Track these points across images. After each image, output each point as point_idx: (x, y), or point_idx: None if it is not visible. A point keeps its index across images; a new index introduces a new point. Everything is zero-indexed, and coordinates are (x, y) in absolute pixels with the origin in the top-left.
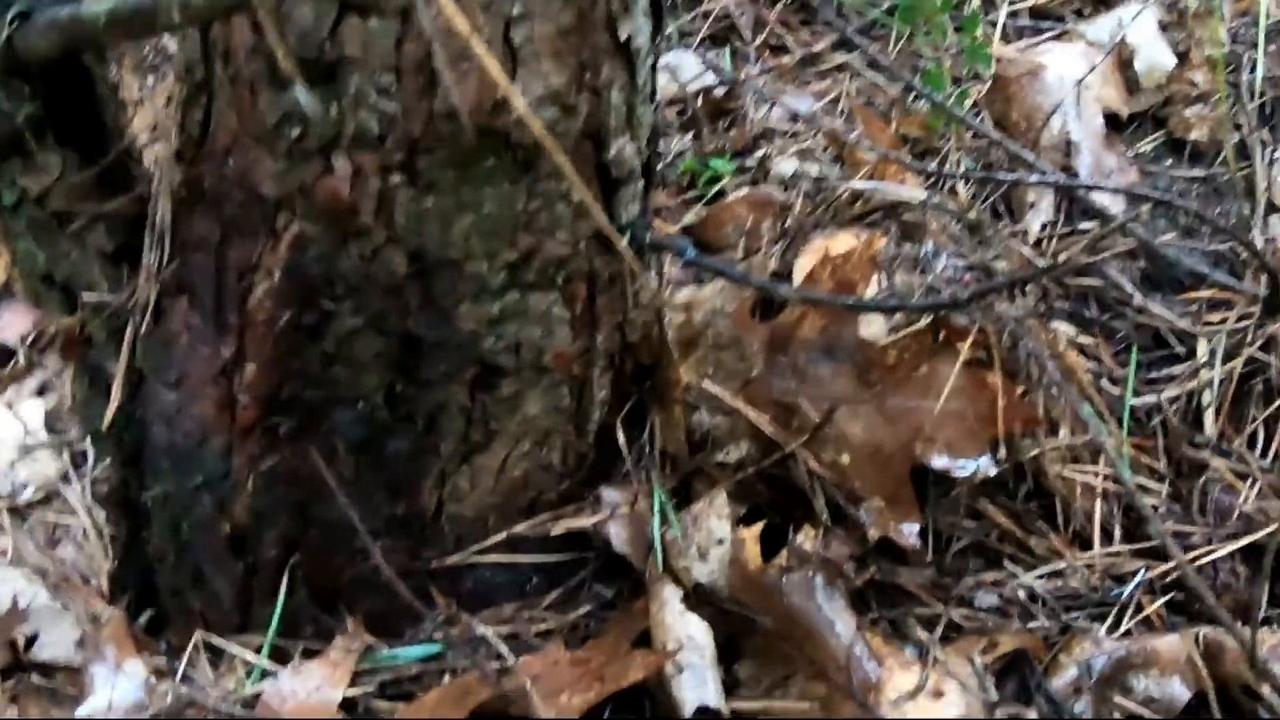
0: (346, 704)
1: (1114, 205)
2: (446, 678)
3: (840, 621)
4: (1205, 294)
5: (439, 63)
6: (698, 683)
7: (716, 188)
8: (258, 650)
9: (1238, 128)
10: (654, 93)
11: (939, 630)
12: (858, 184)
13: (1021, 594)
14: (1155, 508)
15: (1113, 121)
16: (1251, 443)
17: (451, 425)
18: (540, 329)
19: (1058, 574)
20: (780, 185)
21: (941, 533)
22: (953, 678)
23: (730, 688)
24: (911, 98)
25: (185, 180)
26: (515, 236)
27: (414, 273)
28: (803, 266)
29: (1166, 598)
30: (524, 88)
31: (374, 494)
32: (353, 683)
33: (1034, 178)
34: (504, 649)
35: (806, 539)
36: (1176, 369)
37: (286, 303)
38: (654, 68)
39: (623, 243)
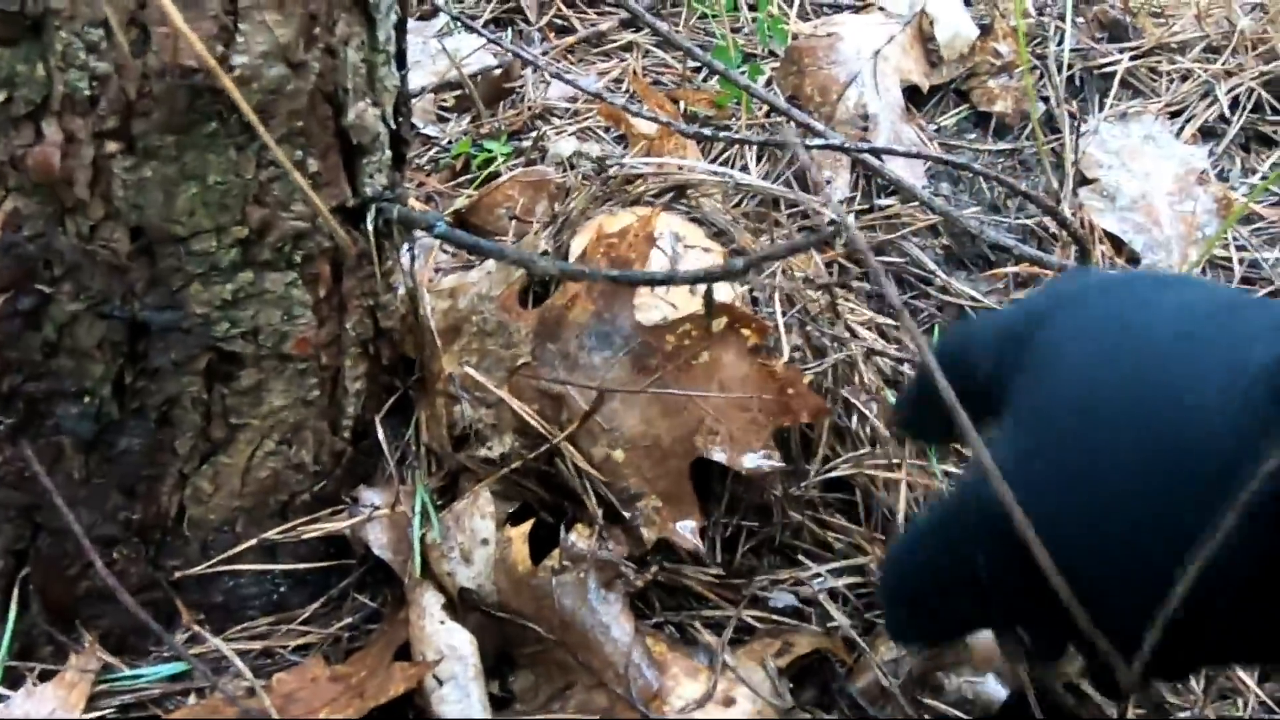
0: None
1: (915, 181)
2: (192, 698)
3: (617, 626)
4: (1012, 270)
5: (150, 14)
6: (460, 697)
7: (489, 170)
8: None
9: (1044, 100)
10: (402, 56)
11: (728, 633)
12: (638, 161)
13: (820, 593)
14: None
15: (913, 95)
16: None
17: (188, 420)
18: (279, 312)
19: (859, 570)
20: (557, 166)
21: (731, 530)
22: (743, 684)
23: (503, 702)
24: (701, 74)
25: None
26: (245, 210)
27: (137, 250)
28: (578, 246)
29: None
30: (246, 41)
31: (107, 497)
32: (91, 705)
33: (818, 142)
34: (245, 670)
35: (580, 538)
36: None
37: (2, 286)
38: (400, 27)
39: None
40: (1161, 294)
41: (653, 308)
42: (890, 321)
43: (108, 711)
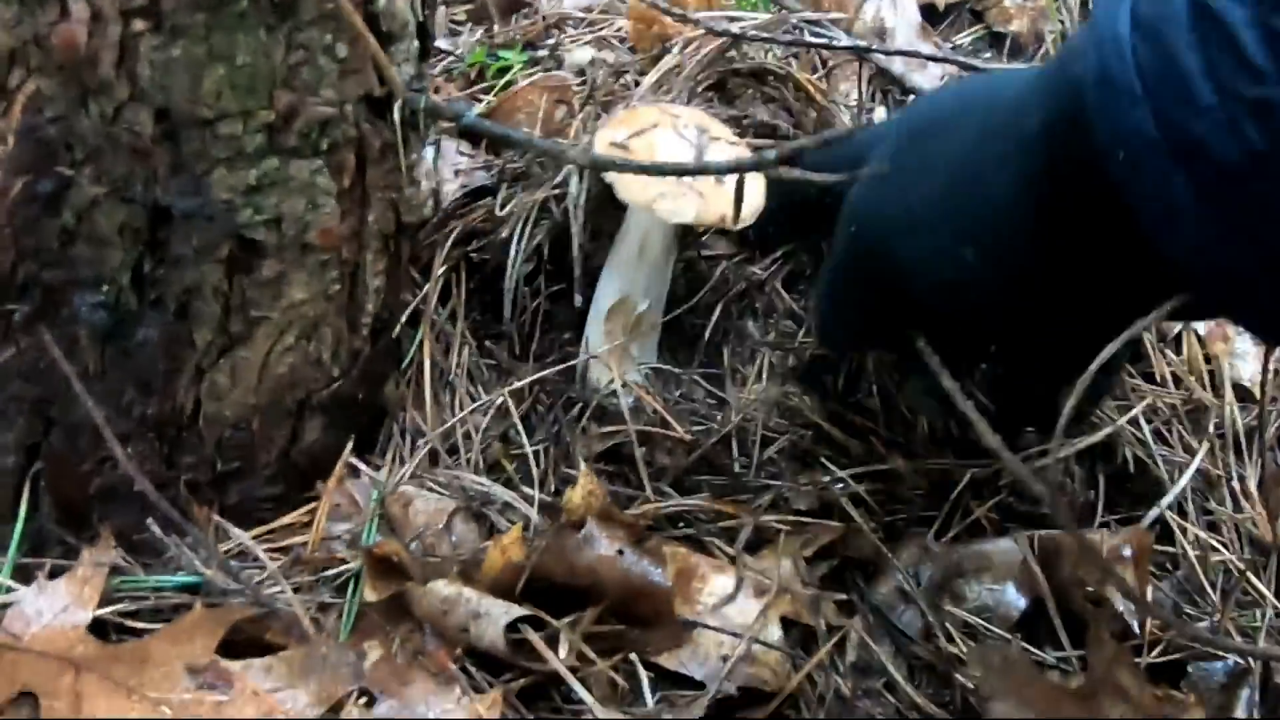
0: (96, 625)
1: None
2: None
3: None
4: None
5: None
6: None
7: (506, 78)
8: None
9: (1059, 22)
10: None
11: (743, 538)
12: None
13: (841, 497)
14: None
15: (928, 13)
16: None
17: (207, 311)
18: (304, 201)
19: (879, 475)
20: (575, 73)
21: (747, 435)
22: (768, 579)
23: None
24: None
25: None
26: (273, 93)
27: (161, 134)
28: (603, 138)
29: (995, 499)
30: None
31: (122, 392)
32: (104, 603)
33: (844, 41)
34: (272, 566)
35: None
36: None
37: (21, 170)
38: None
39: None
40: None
41: (680, 196)
42: None
43: (120, 607)
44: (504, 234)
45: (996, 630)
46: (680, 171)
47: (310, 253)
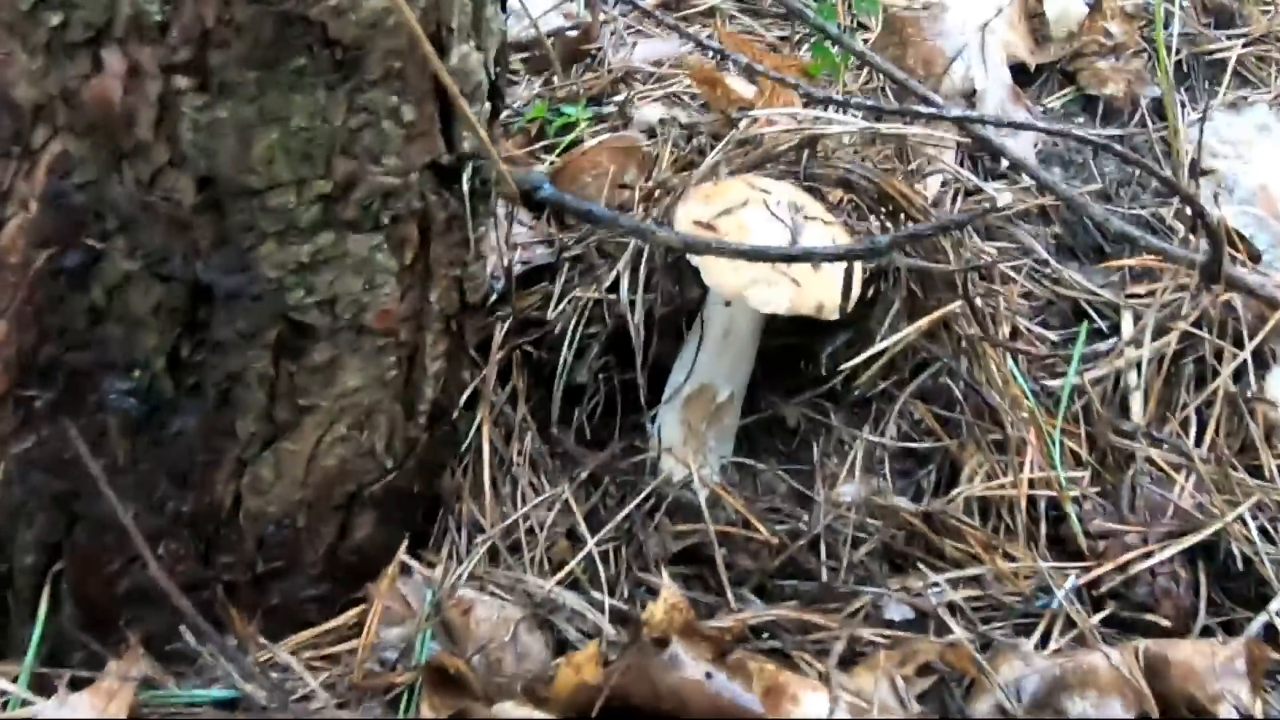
0: None
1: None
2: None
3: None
4: (1129, 262)
5: None
6: None
7: (570, 136)
8: (14, 680)
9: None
10: None
11: (836, 653)
12: (761, 111)
13: (935, 604)
14: (1081, 502)
15: (1019, 73)
16: (1184, 429)
17: (251, 399)
18: (361, 280)
19: (974, 581)
20: (644, 132)
21: (836, 536)
22: (864, 700)
23: None
24: (796, 35)
25: None
26: (331, 160)
27: (204, 203)
28: (686, 215)
29: (1102, 612)
30: None
31: (154, 485)
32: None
33: (950, 111)
34: (314, 684)
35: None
36: (1101, 346)
37: (44, 241)
38: None
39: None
40: None
41: (774, 283)
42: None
43: None
44: (563, 323)
45: None
46: (782, 258)
47: (366, 336)
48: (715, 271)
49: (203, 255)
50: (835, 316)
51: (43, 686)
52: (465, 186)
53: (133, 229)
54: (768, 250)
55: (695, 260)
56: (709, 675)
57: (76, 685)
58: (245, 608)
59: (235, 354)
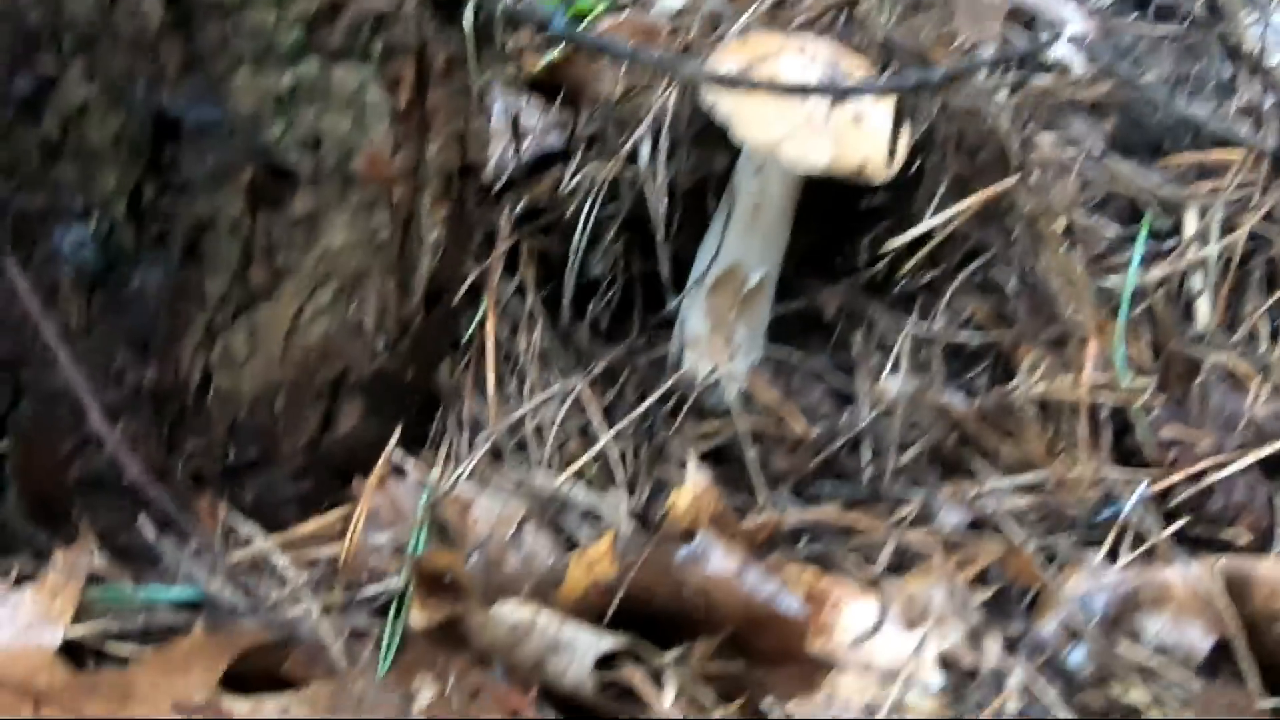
0: (68, 648)
1: (1075, 61)
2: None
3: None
4: (1190, 157)
5: None
6: None
7: (584, 22)
8: None
9: None
10: None
11: (884, 557)
12: None
13: (991, 510)
14: (1148, 409)
15: None
16: (1253, 335)
17: (221, 254)
18: (348, 119)
19: (1034, 488)
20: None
21: (881, 437)
22: (917, 608)
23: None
24: None
25: None
26: None
27: (172, 21)
28: (721, 63)
29: (1174, 525)
30: None
31: (112, 353)
32: (80, 618)
33: None
34: (298, 580)
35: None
36: (1163, 246)
37: None
38: None
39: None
40: None
41: (812, 137)
42: None
43: (101, 626)
44: (576, 203)
45: (1178, 674)
46: (823, 91)
47: (354, 187)
48: (746, 124)
49: (169, 82)
50: (880, 179)
51: None
52: (468, 25)
53: (91, 49)
54: (806, 85)
55: (723, 114)
56: (742, 571)
57: (20, 581)
58: (214, 503)
59: (204, 198)
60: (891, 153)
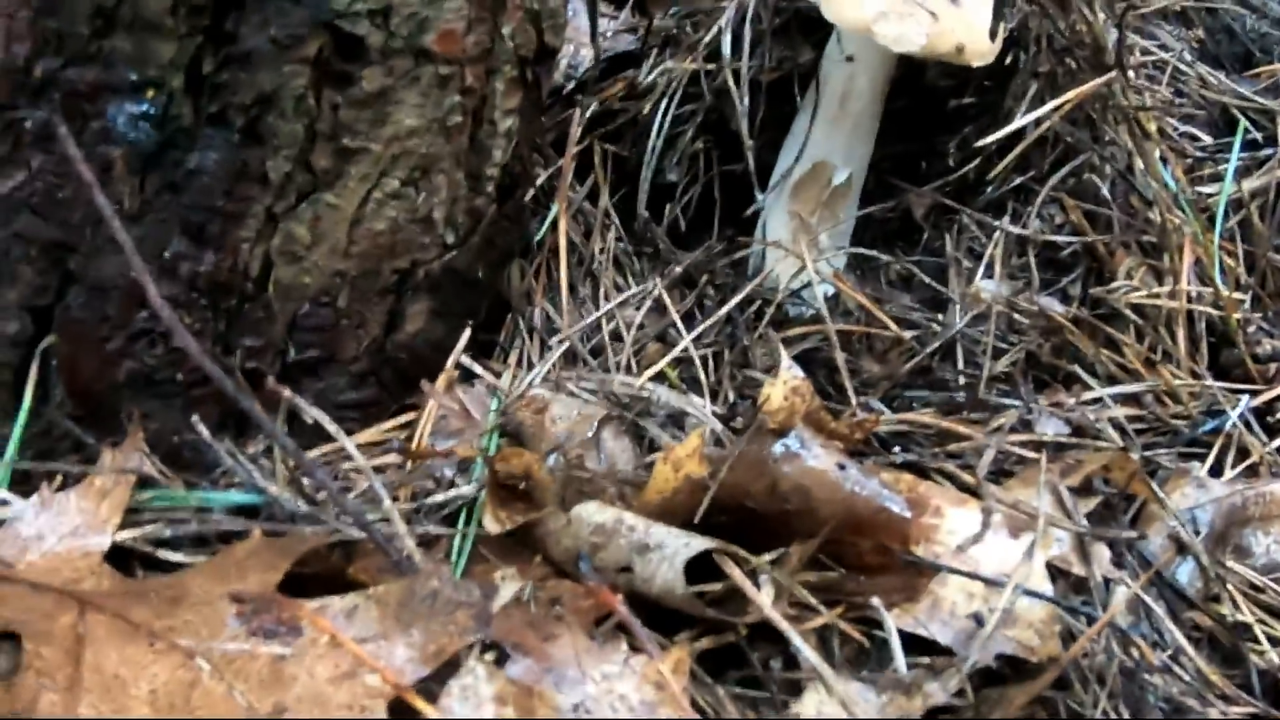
0: (116, 554)
1: None
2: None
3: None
4: None
5: None
6: None
7: None
8: None
9: None
10: None
11: (985, 463)
12: None
13: (1092, 419)
14: (1244, 324)
15: None
16: None
17: (285, 133)
18: None
19: (1134, 399)
20: None
21: (974, 343)
22: (1025, 512)
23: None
24: None
25: None
26: None
27: None
28: None
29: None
30: None
31: (166, 240)
32: (127, 525)
33: None
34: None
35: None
36: (1257, 155)
37: None
38: None
39: None
40: None
41: (908, 16)
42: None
43: (149, 531)
44: (652, 102)
45: None
46: None
47: (426, 63)
48: (835, 3)
49: None
50: (980, 60)
51: (26, 486)
52: None
53: None
54: None
55: None
56: (842, 467)
57: (65, 485)
58: (275, 404)
59: (268, 70)
60: (993, 33)
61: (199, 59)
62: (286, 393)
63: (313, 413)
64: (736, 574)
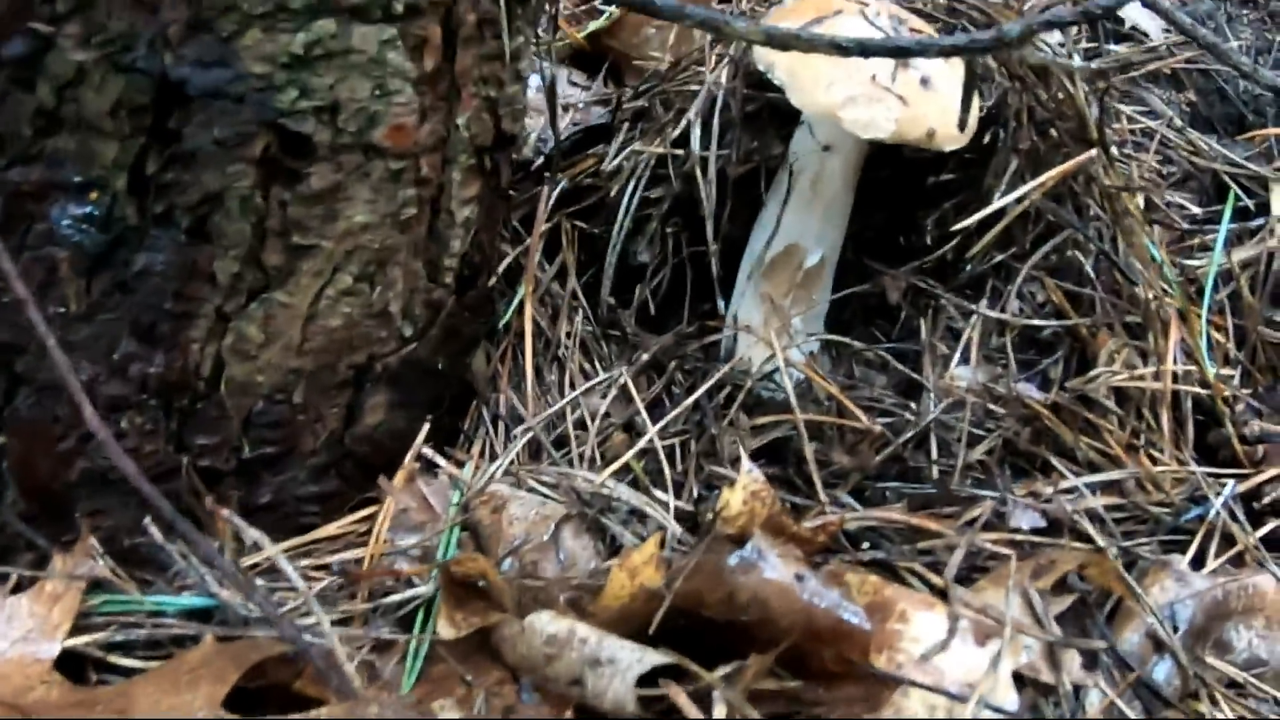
0: (67, 660)
1: (1153, 28)
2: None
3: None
4: (1275, 131)
5: None
6: None
7: None
8: None
9: None
10: None
11: (954, 564)
12: None
13: (1069, 510)
14: (1232, 403)
15: None
16: None
17: (232, 233)
18: (370, 85)
19: (1114, 486)
20: None
21: (949, 431)
22: (991, 619)
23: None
24: None
25: None
26: None
27: None
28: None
29: (1264, 528)
30: None
31: (115, 341)
32: (78, 630)
33: None
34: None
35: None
36: (1251, 224)
37: None
38: None
39: None
40: None
41: (876, 101)
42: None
43: (101, 636)
44: (620, 183)
45: (1271, 689)
46: (887, 52)
47: (376, 158)
48: (805, 87)
49: (173, 44)
50: (951, 146)
51: None
52: None
53: (89, 10)
54: (869, 43)
55: (779, 76)
56: (800, 578)
57: (18, 589)
58: (227, 504)
59: (213, 170)
60: (963, 118)
61: (143, 159)
62: (225, 512)
63: (252, 534)
64: (682, 699)
